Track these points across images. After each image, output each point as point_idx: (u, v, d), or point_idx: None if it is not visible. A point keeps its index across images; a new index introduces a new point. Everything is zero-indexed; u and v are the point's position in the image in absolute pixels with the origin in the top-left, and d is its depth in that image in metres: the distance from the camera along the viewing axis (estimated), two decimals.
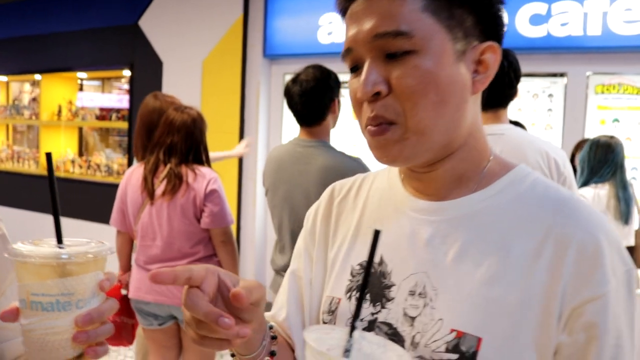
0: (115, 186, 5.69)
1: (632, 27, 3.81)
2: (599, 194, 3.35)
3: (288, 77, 5.24)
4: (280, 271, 2.50)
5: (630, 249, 3.37)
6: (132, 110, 6.02)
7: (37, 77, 7.22)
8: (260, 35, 5.19)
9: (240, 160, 5.31)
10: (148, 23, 5.86)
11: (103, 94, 7.21)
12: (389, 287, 0.84)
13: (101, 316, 0.73)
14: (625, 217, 3.33)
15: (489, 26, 0.80)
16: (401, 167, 0.89)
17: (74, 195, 6.45)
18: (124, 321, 2.92)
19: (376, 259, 0.85)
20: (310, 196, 2.35)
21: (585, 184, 3.43)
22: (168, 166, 2.60)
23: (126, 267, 2.91)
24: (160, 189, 2.60)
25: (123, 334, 2.94)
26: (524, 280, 0.75)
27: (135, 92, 5.99)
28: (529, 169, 0.85)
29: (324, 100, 2.38)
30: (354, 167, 2.33)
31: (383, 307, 0.83)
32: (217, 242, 2.66)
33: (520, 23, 4.08)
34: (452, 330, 0.76)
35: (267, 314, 1.03)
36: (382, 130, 0.77)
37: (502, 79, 2.13)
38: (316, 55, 4.93)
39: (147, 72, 5.88)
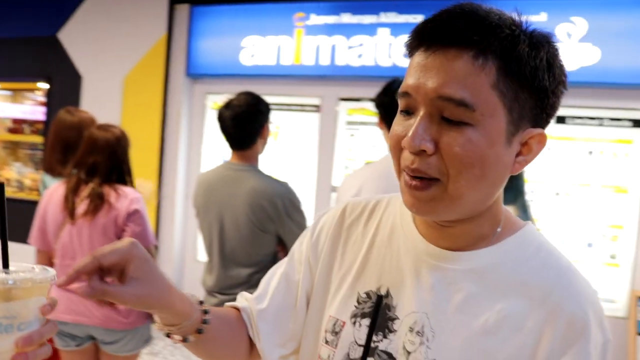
0: (27, 202, 5.51)
1: None
2: None
3: (210, 97, 5.33)
4: (212, 291, 2.55)
5: None
6: (49, 124, 5.87)
7: None
8: (183, 55, 5.23)
9: (160, 179, 5.30)
10: (68, 36, 5.75)
11: (13, 104, 6.95)
12: (393, 319, 0.89)
13: (41, 338, 0.75)
14: None
15: (543, 114, 0.82)
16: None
17: None
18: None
19: (383, 292, 0.91)
20: (238, 218, 2.44)
21: None
22: (90, 185, 2.60)
23: None
24: (81, 208, 2.60)
25: None
26: (516, 338, 0.80)
27: (53, 105, 5.82)
28: (535, 231, 0.91)
29: (254, 125, 2.49)
30: (281, 191, 2.46)
31: (385, 337, 0.88)
32: None
33: None
34: None
35: (245, 296, 1.08)
36: (423, 186, 0.80)
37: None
38: (238, 76, 5.04)
39: (65, 86, 5.76)
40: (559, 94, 0.82)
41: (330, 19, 4.72)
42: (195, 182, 2.70)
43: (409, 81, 0.80)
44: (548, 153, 4.36)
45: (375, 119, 2.43)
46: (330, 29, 4.71)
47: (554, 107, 0.83)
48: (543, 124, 0.83)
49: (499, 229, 0.88)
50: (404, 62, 4.25)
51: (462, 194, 0.79)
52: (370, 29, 4.60)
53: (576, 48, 4.01)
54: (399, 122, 0.83)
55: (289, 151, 5.04)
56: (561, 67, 0.81)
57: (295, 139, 5.06)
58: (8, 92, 6.99)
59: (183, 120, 5.30)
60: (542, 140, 0.83)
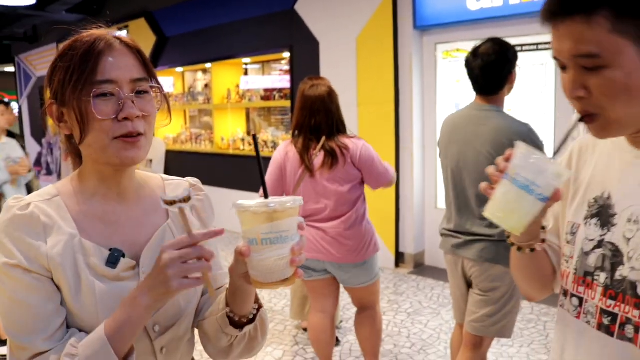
0: None
1: None
2: None
3: (440, 47, 5.37)
4: (449, 231, 2.74)
5: None
6: (293, 89, 6.48)
7: (208, 65, 7.96)
8: (409, 8, 5.33)
9: (397, 132, 5.53)
10: (303, 7, 6.23)
11: (264, 76, 7.77)
12: (613, 215, 1.09)
13: (303, 246, 1.00)
14: None
15: None
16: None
17: (245, 170, 7.09)
18: None
19: (605, 195, 1.11)
20: (480, 155, 2.53)
21: None
22: (322, 141, 2.88)
23: None
24: (317, 161, 2.89)
25: None
26: None
27: (295, 72, 6.42)
28: None
29: (502, 73, 2.53)
30: (524, 130, 2.48)
31: (609, 230, 1.08)
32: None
33: None
34: None
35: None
36: (590, 120, 1.02)
37: None
38: (466, 22, 4.98)
39: (305, 52, 6.27)
40: None
41: None
42: (441, 125, 2.83)
43: (554, 44, 1.03)
44: None
45: None
46: None
47: None
48: None
49: None
50: None
51: (621, 117, 0.99)
52: None
53: None
54: (562, 77, 1.05)
55: (525, 92, 4.88)
56: None
57: (531, 79, 4.88)
58: (258, 66, 7.83)
59: (415, 73, 5.43)
60: None
